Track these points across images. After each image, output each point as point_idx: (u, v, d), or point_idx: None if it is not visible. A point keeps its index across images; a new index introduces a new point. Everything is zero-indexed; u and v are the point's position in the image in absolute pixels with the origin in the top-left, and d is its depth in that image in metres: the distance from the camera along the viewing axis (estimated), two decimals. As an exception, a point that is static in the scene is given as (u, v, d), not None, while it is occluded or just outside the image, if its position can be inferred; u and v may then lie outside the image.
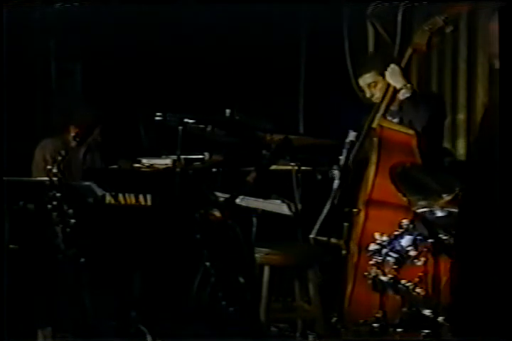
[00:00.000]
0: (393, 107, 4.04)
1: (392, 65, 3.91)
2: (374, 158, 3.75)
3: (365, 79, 4.13)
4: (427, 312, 3.35)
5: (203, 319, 4.05)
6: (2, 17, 3.97)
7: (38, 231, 3.91)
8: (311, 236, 3.90)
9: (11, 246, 3.90)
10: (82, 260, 3.79)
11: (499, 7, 2.98)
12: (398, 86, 3.89)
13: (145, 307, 4.08)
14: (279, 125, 4.16)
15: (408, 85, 3.89)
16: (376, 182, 3.70)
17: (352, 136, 3.73)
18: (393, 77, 3.88)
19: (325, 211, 3.84)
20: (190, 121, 4.01)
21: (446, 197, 3.31)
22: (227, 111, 4.00)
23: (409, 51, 3.92)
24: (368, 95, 4.14)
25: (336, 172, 3.75)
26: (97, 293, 3.89)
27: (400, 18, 5.38)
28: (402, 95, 3.89)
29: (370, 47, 5.63)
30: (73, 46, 5.81)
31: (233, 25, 5.44)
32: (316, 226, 3.90)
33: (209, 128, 4.02)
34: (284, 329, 4.17)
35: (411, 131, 3.76)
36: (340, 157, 3.80)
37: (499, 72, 2.59)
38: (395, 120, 4.02)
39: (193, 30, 5.66)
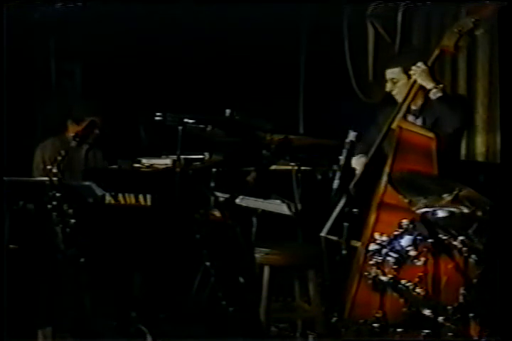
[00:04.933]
0: (415, 106, 4.03)
1: (420, 64, 3.89)
2: (389, 160, 3.73)
3: (389, 74, 4.11)
4: (427, 312, 3.35)
5: (203, 319, 4.04)
6: (2, 17, 3.97)
7: (38, 231, 3.91)
8: (322, 234, 3.89)
9: (11, 246, 3.90)
10: (82, 260, 3.79)
11: (499, 7, 2.98)
12: (429, 86, 3.87)
13: (145, 307, 4.07)
14: (279, 125, 4.15)
15: (440, 85, 3.88)
16: (389, 184, 3.67)
17: (352, 136, 3.72)
18: (421, 76, 3.87)
19: (337, 210, 3.83)
20: (190, 121, 4.01)
21: (447, 198, 3.31)
22: (227, 111, 4.00)
23: (436, 52, 3.91)
24: (387, 89, 4.11)
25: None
26: (97, 293, 3.89)
27: (399, 18, 5.38)
28: (434, 95, 3.87)
29: (370, 47, 5.63)
30: (73, 46, 5.81)
31: (233, 25, 5.44)
32: (327, 226, 3.89)
33: (209, 128, 4.02)
34: (284, 329, 4.17)
35: (431, 134, 3.73)
36: (340, 157, 3.80)
37: (499, 72, 2.59)
38: (418, 120, 4.01)
39: (193, 29, 5.66)
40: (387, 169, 3.70)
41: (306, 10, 5.50)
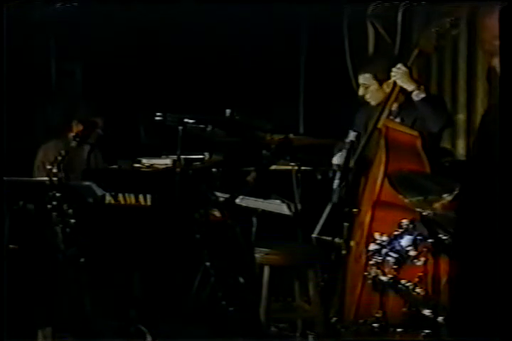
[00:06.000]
0: (393, 107, 4.04)
1: (400, 65, 3.89)
2: (383, 159, 3.72)
3: (361, 79, 4.15)
4: (427, 312, 3.35)
5: (203, 319, 4.05)
6: (2, 17, 3.97)
7: (38, 231, 3.91)
8: (314, 235, 3.90)
9: (11, 246, 3.90)
10: (82, 260, 3.79)
11: (499, 7, 2.98)
12: (410, 88, 3.87)
13: (145, 307, 4.08)
14: (279, 125, 4.16)
15: (421, 87, 3.88)
16: (385, 183, 3.68)
17: (352, 136, 3.73)
18: (402, 78, 3.87)
19: (327, 210, 3.84)
20: (190, 121, 4.02)
21: (447, 198, 3.31)
22: (227, 111, 4.01)
23: (415, 52, 3.91)
24: (360, 93, 4.15)
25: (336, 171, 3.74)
26: (97, 293, 3.89)
27: (399, 18, 5.38)
28: (417, 96, 3.87)
29: (370, 47, 5.63)
30: (73, 46, 5.81)
31: (233, 25, 5.44)
32: (318, 226, 3.90)
33: (209, 128, 4.02)
34: (284, 329, 4.17)
35: (415, 133, 3.75)
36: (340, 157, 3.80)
37: (500, 72, 2.59)
38: (396, 120, 4.02)
39: (193, 30, 5.66)
40: (382, 168, 3.71)
41: (306, 10, 5.50)
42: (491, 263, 3.40)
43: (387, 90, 3.95)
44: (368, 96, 4.10)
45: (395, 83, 3.92)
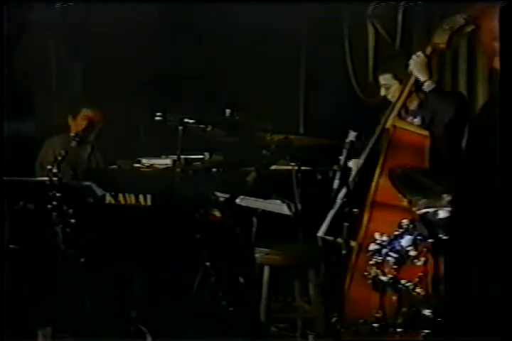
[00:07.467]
0: (412, 106, 4.03)
1: (419, 53, 3.88)
2: (380, 159, 3.74)
3: (381, 80, 4.14)
4: (427, 312, 3.35)
5: (203, 319, 4.05)
6: (2, 17, 3.98)
7: (38, 231, 3.91)
8: (319, 235, 3.90)
9: (11, 246, 3.90)
10: (82, 260, 3.79)
11: (499, 7, 2.98)
12: (423, 78, 3.87)
13: (145, 307, 4.08)
14: (279, 125, 4.16)
15: (434, 78, 3.88)
16: (380, 183, 3.68)
17: (352, 136, 3.73)
18: (418, 66, 3.86)
19: (333, 210, 3.84)
20: (190, 121, 4.02)
21: (447, 197, 3.31)
22: (227, 111, 4.01)
23: (428, 50, 3.92)
24: (382, 93, 4.14)
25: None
26: (97, 293, 3.89)
27: (399, 18, 5.38)
28: (428, 87, 3.87)
29: (370, 47, 5.63)
30: (73, 46, 5.81)
31: (233, 25, 5.44)
32: (324, 226, 3.90)
33: (209, 128, 4.02)
34: (284, 329, 4.17)
35: (425, 132, 3.74)
36: (340, 157, 3.80)
37: (499, 72, 2.59)
38: (416, 119, 4.00)
39: (193, 29, 5.66)
40: (378, 168, 3.71)
41: (306, 10, 5.49)
42: (491, 262, 3.40)
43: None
44: (390, 96, 4.10)
45: (406, 81, 3.92)
